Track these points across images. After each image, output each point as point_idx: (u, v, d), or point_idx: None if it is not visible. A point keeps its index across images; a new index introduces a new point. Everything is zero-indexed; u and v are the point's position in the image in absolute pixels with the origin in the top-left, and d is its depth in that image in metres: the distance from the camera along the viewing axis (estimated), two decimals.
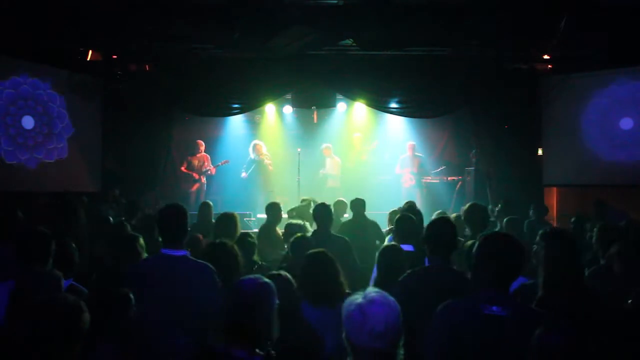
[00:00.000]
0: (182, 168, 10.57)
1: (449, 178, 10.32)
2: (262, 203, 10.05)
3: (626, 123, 7.92)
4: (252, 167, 10.46)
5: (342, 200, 6.91)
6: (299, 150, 10.56)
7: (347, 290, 3.08)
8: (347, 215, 6.75)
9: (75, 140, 8.40)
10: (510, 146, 8.64)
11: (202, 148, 10.60)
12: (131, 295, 2.58)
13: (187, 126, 10.67)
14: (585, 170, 8.27)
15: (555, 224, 7.99)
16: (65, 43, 7.94)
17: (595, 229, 4.16)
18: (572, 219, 5.97)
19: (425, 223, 3.79)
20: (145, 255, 3.75)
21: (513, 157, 8.62)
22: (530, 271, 2.91)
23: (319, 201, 5.56)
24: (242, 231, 4.88)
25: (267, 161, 10.54)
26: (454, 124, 10.94)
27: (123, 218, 5.93)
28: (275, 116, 11.43)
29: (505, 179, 8.61)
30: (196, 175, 10.39)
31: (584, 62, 8.25)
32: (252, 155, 10.52)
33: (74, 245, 3.56)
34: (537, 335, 1.97)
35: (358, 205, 6.11)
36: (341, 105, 10.83)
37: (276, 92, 9.22)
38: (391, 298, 1.94)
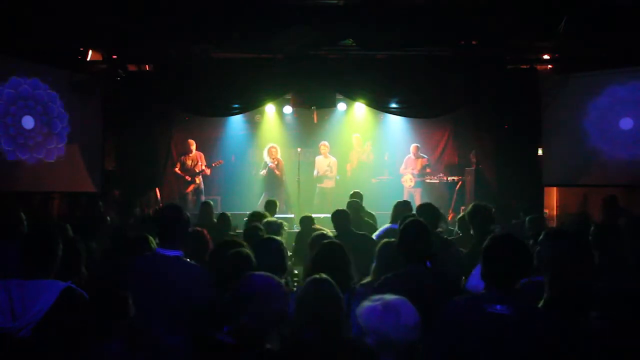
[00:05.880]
0: (176, 169, 10.39)
1: (449, 178, 10.32)
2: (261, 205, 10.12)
3: (626, 123, 7.91)
4: (267, 170, 10.49)
5: (358, 192, 6.68)
6: (299, 150, 10.56)
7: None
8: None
9: (75, 140, 8.38)
10: (510, 146, 8.65)
11: (194, 147, 10.40)
12: (128, 295, 2.60)
13: (187, 126, 10.66)
14: (585, 170, 8.26)
15: (555, 225, 7.99)
16: (65, 43, 7.93)
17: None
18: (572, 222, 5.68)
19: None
20: None
21: (513, 157, 8.62)
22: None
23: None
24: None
25: (272, 165, 10.48)
26: (454, 124, 10.95)
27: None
28: (275, 116, 11.42)
29: (505, 179, 8.62)
30: (188, 178, 10.28)
31: (584, 62, 8.25)
32: (265, 159, 10.53)
33: (80, 246, 3.50)
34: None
35: (341, 218, 4.96)
36: (341, 105, 10.82)
37: (276, 92, 9.20)
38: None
